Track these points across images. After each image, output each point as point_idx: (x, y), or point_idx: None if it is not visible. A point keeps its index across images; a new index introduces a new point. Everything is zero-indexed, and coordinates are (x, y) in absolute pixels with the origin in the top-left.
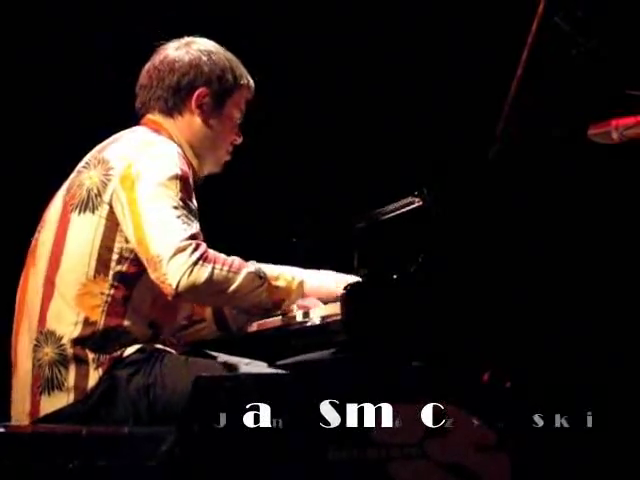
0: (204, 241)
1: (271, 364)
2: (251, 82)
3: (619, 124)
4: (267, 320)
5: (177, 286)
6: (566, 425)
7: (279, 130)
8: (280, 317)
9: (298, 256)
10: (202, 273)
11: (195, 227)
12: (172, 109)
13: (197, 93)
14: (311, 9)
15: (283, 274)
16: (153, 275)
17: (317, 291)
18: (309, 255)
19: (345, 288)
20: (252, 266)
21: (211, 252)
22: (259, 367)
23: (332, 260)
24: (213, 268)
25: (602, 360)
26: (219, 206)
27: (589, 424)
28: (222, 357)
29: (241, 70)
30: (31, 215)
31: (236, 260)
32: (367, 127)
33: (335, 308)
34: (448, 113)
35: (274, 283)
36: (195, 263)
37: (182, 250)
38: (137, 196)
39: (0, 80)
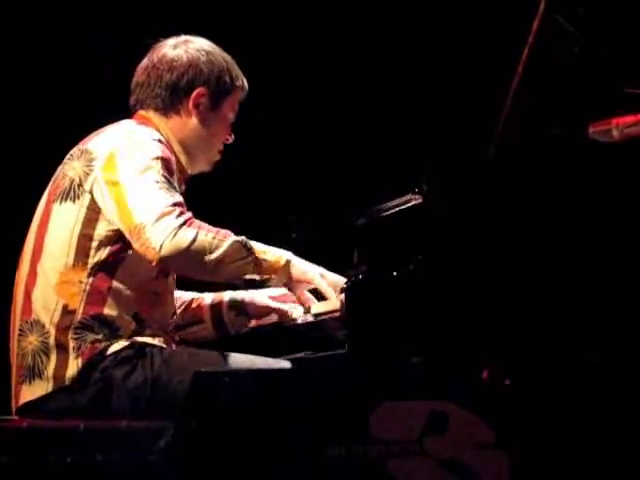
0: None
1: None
2: (245, 83)
3: (620, 122)
4: (265, 318)
5: (160, 248)
6: (566, 425)
7: (279, 128)
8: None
9: (297, 252)
10: (186, 235)
11: (178, 197)
12: (168, 108)
13: (195, 93)
14: (311, 9)
15: (271, 251)
16: (137, 244)
17: (301, 277)
18: (308, 252)
19: (345, 285)
20: (239, 237)
21: (196, 220)
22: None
23: (331, 257)
24: (197, 232)
25: (602, 360)
26: (219, 204)
27: (589, 424)
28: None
29: (237, 71)
30: (29, 212)
31: (222, 230)
32: (367, 125)
33: (334, 305)
34: (448, 112)
35: (261, 256)
36: (180, 226)
37: (166, 214)
38: (119, 175)
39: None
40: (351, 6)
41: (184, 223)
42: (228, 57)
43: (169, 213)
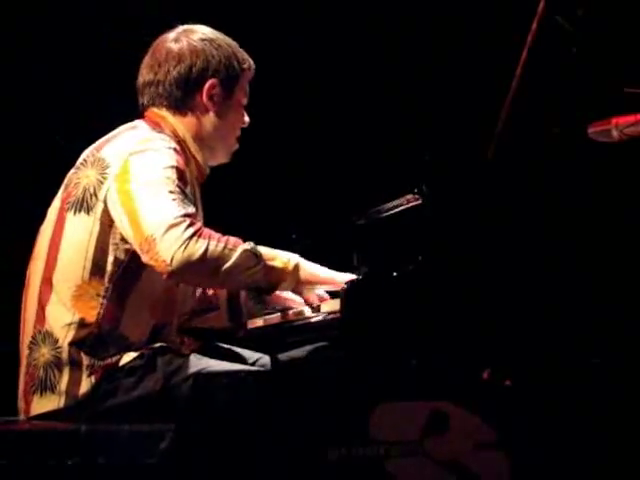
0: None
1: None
2: (252, 64)
3: (619, 122)
4: (273, 316)
5: (171, 261)
6: (566, 425)
7: (279, 129)
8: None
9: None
10: (197, 248)
11: (190, 209)
12: (181, 104)
13: (208, 85)
14: (311, 9)
15: (279, 256)
16: (146, 257)
17: (311, 278)
18: (308, 253)
19: (344, 285)
20: (248, 244)
21: (206, 229)
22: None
23: (331, 258)
24: (208, 243)
25: (602, 360)
26: (218, 205)
27: (589, 424)
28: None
29: (242, 54)
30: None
31: (232, 238)
32: (367, 126)
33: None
34: (447, 112)
35: (270, 263)
36: (190, 237)
37: (175, 225)
38: (131, 184)
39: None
40: (351, 6)
41: (194, 234)
42: (231, 41)
43: (178, 224)
